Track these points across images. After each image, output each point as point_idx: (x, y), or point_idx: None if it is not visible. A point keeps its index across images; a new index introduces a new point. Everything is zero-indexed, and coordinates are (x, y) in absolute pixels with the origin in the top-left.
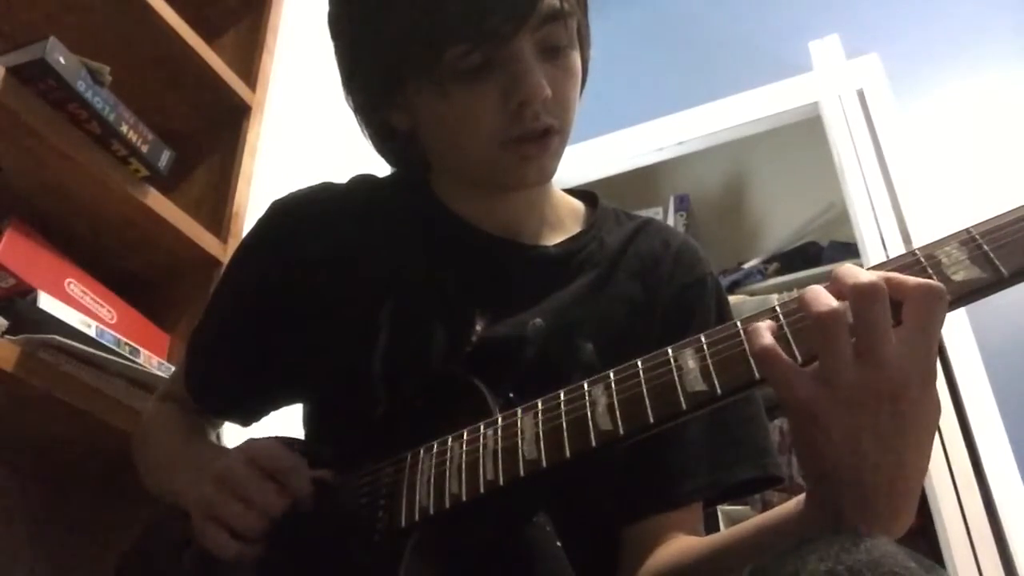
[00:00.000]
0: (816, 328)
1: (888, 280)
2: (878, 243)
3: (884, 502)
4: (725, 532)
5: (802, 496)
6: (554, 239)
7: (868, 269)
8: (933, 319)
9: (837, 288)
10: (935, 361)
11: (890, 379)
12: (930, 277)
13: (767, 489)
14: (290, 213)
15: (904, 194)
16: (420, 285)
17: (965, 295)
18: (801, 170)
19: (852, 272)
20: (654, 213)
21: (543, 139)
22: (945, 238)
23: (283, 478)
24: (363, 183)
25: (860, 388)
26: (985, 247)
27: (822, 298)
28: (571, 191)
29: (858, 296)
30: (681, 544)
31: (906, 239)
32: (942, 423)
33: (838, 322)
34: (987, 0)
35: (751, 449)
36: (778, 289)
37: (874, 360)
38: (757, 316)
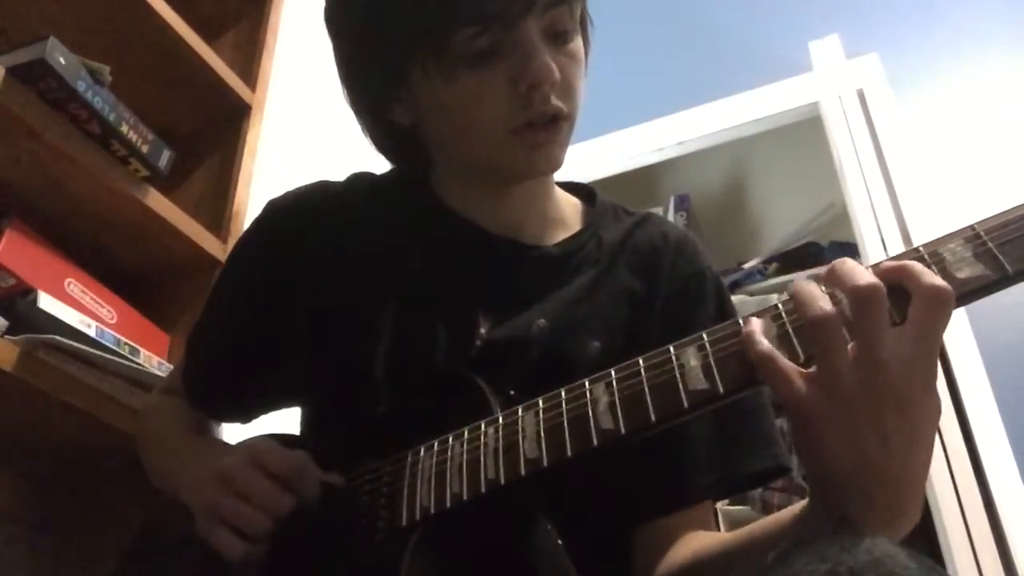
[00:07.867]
0: (811, 331)
1: (902, 269)
2: (878, 243)
3: (887, 503)
4: (738, 532)
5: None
6: (555, 238)
7: (882, 262)
8: (938, 323)
9: (833, 285)
10: (936, 362)
11: (889, 381)
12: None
13: (776, 479)
14: (285, 212)
15: (904, 194)
16: (422, 286)
17: (969, 293)
18: (801, 170)
19: (850, 272)
20: None
21: (553, 125)
22: (949, 234)
23: (288, 479)
24: (361, 181)
25: (859, 390)
26: (990, 244)
27: (817, 301)
28: (567, 185)
29: (857, 299)
30: (694, 544)
31: (906, 239)
32: (942, 423)
33: (833, 325)
34: (987, 0)
35: (759, 440)
36: (778, 289)
37: (872, 361)
38: (760, 314)
